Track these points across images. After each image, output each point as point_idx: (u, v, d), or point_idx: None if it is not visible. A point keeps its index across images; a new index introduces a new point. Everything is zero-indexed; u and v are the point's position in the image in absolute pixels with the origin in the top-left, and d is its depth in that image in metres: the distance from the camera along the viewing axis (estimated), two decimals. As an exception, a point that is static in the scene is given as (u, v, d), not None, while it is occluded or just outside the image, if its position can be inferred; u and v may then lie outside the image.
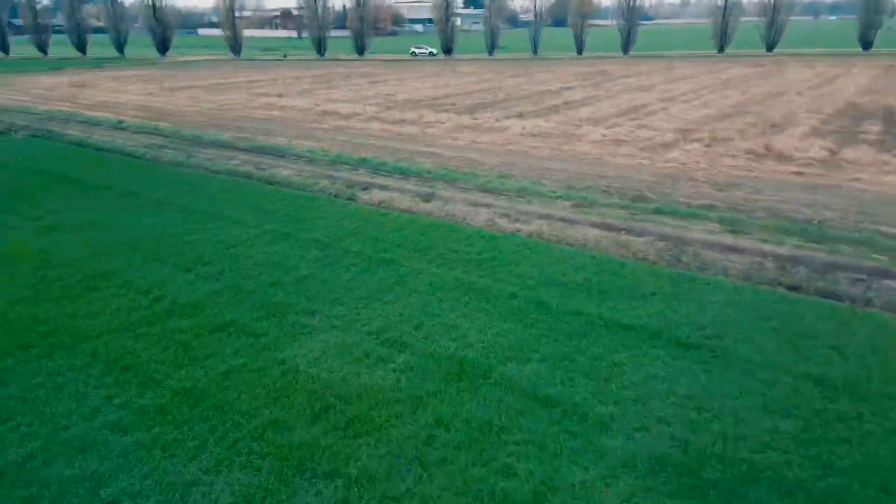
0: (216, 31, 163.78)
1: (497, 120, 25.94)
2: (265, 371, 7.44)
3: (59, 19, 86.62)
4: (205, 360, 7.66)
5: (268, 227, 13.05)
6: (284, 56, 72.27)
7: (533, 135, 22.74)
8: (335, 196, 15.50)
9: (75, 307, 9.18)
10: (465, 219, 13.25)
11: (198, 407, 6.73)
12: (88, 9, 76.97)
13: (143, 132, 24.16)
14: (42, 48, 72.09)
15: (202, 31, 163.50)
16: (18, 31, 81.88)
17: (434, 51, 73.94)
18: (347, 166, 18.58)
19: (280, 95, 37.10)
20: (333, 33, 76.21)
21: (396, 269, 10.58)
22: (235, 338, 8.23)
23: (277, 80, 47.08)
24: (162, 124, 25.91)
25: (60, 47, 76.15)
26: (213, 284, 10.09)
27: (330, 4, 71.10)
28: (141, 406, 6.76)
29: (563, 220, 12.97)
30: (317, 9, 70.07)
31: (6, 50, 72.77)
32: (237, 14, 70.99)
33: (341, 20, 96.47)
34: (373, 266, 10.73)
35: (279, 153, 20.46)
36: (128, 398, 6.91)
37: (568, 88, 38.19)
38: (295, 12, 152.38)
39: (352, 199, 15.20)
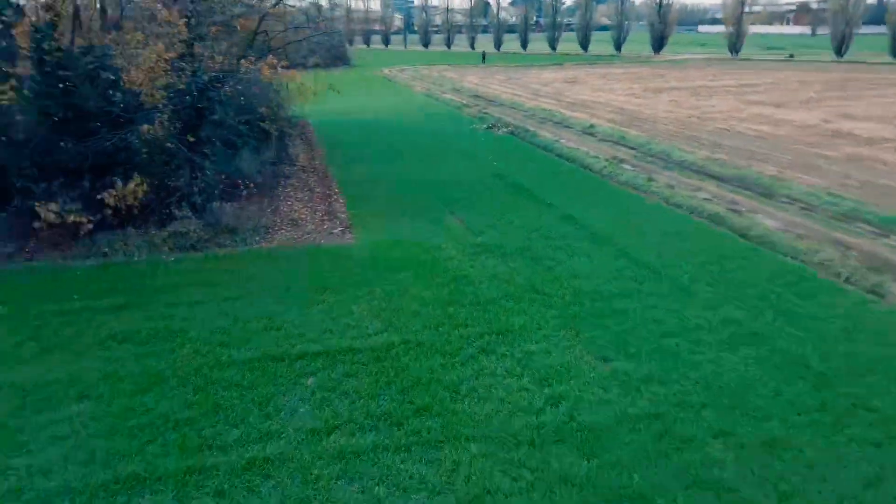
0: (718, 28, 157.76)
1: None
2: None
3: (576, 18, 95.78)
4: None
5: (731, 313, 8.92)
6: (790, 56, 62.41)
7: None
8: (846, 280, 10.12)
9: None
10: None
11: None
12: (602, 8, 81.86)
13: (609, 140, 22.21)
14: (552, 45, 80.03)
15: (703, 28, 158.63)
16: (540, 28, 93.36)
17: None
18: (868, 227, 12.54)
19: (777, 105, 30.70)
20: (863, 30, 61.99)
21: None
22: None
23: (777, 85, 39.98)
24: (631, 133, 23.54)
25: (567, 44, 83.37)
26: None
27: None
28: None
29: None
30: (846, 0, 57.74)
31: (525, 46, 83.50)
32: (746, 9, 64.22)
33: (876, 13, 78.61)
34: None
35: (764, 190, 15.52)
36: None
37: None
38: (815, 5, 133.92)
39: (877, 293, 9.61)
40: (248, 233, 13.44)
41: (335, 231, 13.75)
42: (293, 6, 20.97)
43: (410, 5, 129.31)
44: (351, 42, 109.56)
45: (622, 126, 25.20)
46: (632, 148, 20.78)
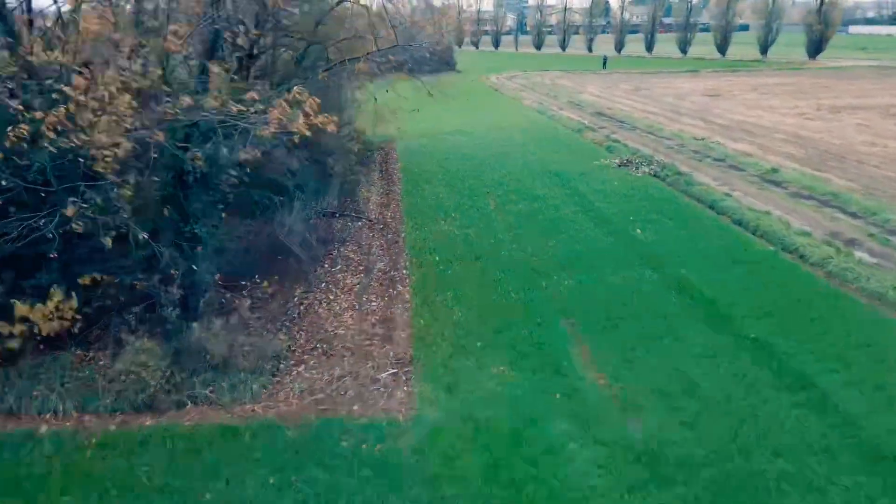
0: (872, 29, 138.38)
1: None
2: None
3: (705, 17, 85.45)
4: None
5: None
6: None
7: None
8: None
9: None
10: None
11: None
12: (740, 6, 71.83)
13: (810, 198, 15.27)
14: (683, 47, 71.08)
15: (854, 29, 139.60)
16: (667, 28, 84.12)
17: None
18: None
19: None
20: None
21: None
22: None
23: None
24: (837, 182, 16.46)
25: (699, 46, 73.91)
26: None
27: None
28: None
29: None
30: None
31: (650, 48, 75.03)
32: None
33: None
34: None
35: None
36: None
37: None
38: None
39: None
40: (246, 374, 8.26)
41: (382, 379, 8.24)
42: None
43: (524, 5, 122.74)
44: (460, 44, 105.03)
45: (815, 169, 18.03)
46: (853, 215, 13.79)
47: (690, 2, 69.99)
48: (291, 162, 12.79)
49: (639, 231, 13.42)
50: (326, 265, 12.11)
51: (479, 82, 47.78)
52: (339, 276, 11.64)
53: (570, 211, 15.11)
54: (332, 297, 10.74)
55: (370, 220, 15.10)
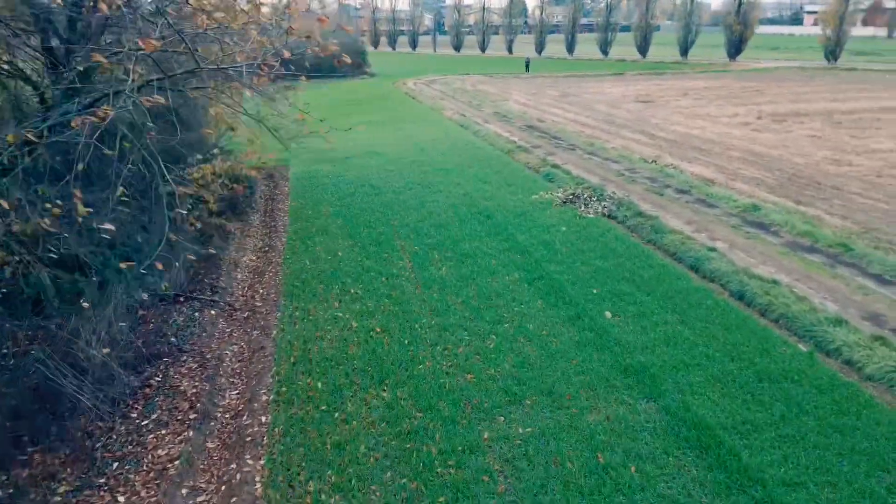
0: (777, 29, 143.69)
1: None
2: None
3: (617, 17, 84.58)
4: None
5: None
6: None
7: None
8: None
9: None
10: None
11: None
12: (662, 4, 70.83)
13: (814, 250, 11.88)
14: (604, 49, 69.42)
15: (759, 30, 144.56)
16: (587, 29, 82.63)
17: None
18: None
19: None
20: None
21: None
22: None
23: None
24: (829, 221, 13.32)
25: (619, 47, 72.55)
26: None
27: None
28: None
29: None
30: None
31: (571, 49, 73.03)
32: (850, 6, 52.65)
33: None
34: None
35: None
36: None
37: None
38: (892, 3, 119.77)
39: None
40: None
41: None
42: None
43: (441, 5, 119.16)
44: (376, 45, 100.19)
45: (795, 201, 14.87)
46: (881, 280, 10.43)
47: (609, 2, 68.29)
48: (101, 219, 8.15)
49: (609, 315, 9.56)
50: (135, 414, 7.51)
51: (394, 89, 43.42)
52: (150, 438, 7.07)
53: (510, 279, 11.09)
54: (123, 495, 6.20)
55: (230, 306, 10.53)
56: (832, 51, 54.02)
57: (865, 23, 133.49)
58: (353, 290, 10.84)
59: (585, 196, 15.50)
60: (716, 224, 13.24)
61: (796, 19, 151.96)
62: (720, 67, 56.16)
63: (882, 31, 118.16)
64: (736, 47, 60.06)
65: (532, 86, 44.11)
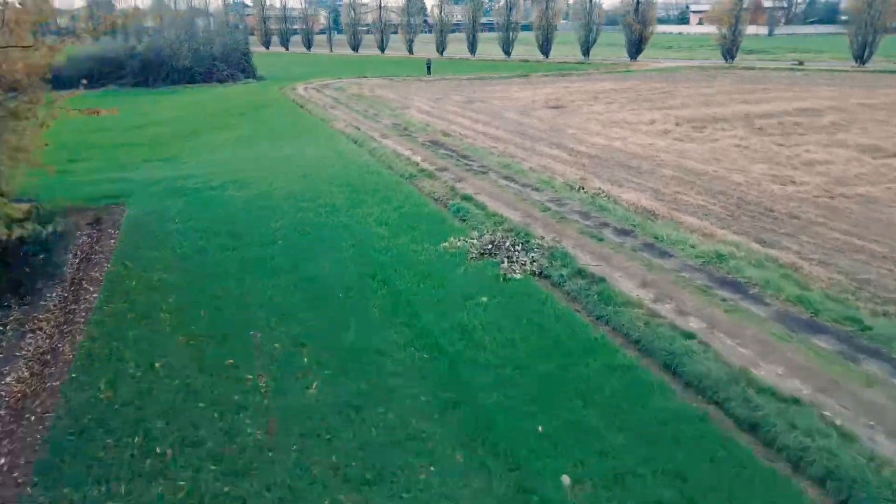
0: (664, 28, 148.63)
1: None
2: None
3: (514, 16, 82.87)
4: None
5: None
6: (800, 64, 51.66)
7: None
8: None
9: None
10: None
11: None
12: (557, 4, 69.49)
13: (822, 330, 8.87)
14: (506, 49, 67.29)
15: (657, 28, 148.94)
16: (488, 28, 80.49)
17: None
18: None
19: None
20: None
21: None
22: None
23: (870, 111, 28.20)
24: (817, 274, 10.60)
25: (520, 47, 70.73)
26: None
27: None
28: None
29: None
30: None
31: (473, 50, 70.45)
32: (744, 4, 52.92)
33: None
34: None
35: None
36: None
37: None
38: (769, 3, 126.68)
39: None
40: None
41: None
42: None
43: (338, 3, 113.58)
44: (267, 45, 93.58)
45: (761, 242, 12.09)
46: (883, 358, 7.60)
47: (508, 1, 66.15)
48: None
49: (567, 481, 6.06)
50: None
51: (280, 95, 38.59)
52: None
53: (415, 406, 7.36)
54: None
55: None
56: (728, 49, 54.29)
57: (749, 21, 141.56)
58: (158, 450, 6.73)
59: (508, 244, 12.03)
60: (680, 288, 10.10)
61: (683, 18, 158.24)
62: (623, 67, 55.19)
63: (763, 29, 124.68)
64: (636, 47, 59.55)
65: (435, 90, 40.66)
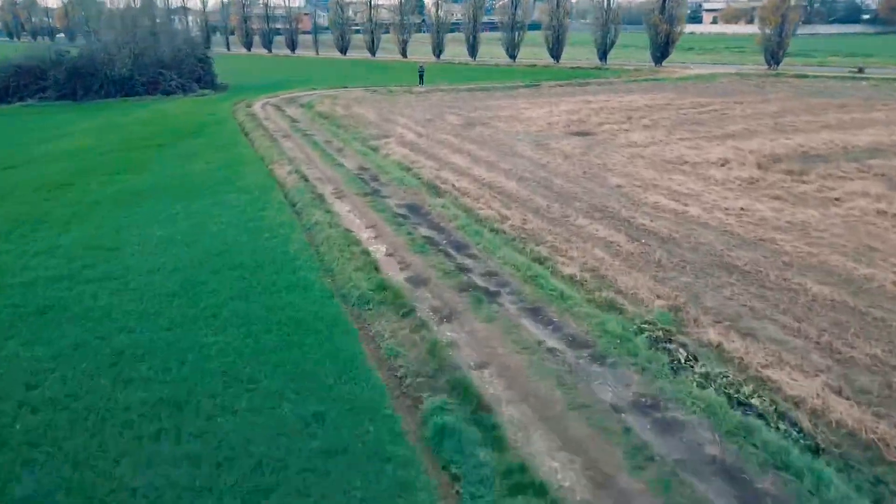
0: (696, 28, 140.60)
1: None
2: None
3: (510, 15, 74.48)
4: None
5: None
6: (859, 71, 43.82)
7: None
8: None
9: None
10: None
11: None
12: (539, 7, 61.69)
13: None
14: (511, 51, 59.56)
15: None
16: (489, 27, 72.63)
17: None
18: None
19: None
20: None
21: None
22: None
23: None
24: None
25: (527, 48, 62.92)
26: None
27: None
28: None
29: None
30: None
31: (474, 53, 62.70)
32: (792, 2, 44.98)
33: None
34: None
35: None
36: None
37: None
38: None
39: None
40: None
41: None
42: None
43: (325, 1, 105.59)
44: (248, 46, 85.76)
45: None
46: None
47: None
48: None
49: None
50: None
51: (229, 115, 30.69)
52: None
53: None
54: None
55: None
56: (773, 53, 46.38)
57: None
58: None
59: None
60: None
61: (695, 17, 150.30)
62: (649, 74, 47.29)
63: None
64: (662, 50, 51.68)
65: (427, 106, 32.89)
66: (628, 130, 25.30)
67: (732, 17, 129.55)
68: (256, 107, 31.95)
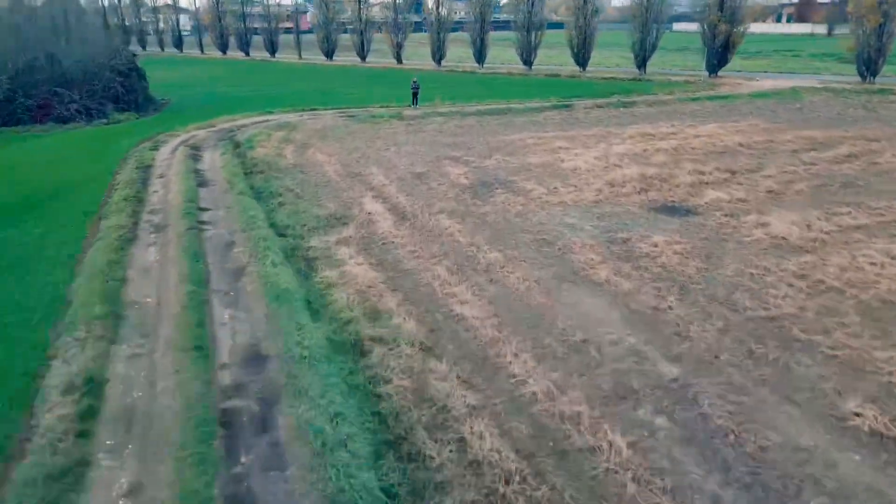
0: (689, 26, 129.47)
1: None
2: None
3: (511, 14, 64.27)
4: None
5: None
6: None
7: None
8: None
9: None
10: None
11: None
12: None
13: None
14: (526, 57, 49.57)
15: (677, 26, 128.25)
16: (500, 26, 62.55)
17: None
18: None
19: None
20: None
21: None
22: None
23: None
24: None
25: (543, 51, 52.83)
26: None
27: None
28: None
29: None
30: None
31: (481, 59, 52.73)
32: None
33: None
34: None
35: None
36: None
37: None
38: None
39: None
40: None
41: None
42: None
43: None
44: (224, 49, 75.57)
45: None
46: None
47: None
48: None
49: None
50: None
51: (117, 162, 20.23)
52: None
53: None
54: None
55: None
56: (872, 61, 35.97)
57: (797, 18, 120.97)
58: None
59: None
60: None
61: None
62: (706, 88, 36.82)
63: (820, 28, 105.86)
64: (720, 56, 41.29)
65: (419, 144, 22.71)
66: (747, 202, 15.16)
67: (760, 15, 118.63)
68: (166, 149, 21.71)
